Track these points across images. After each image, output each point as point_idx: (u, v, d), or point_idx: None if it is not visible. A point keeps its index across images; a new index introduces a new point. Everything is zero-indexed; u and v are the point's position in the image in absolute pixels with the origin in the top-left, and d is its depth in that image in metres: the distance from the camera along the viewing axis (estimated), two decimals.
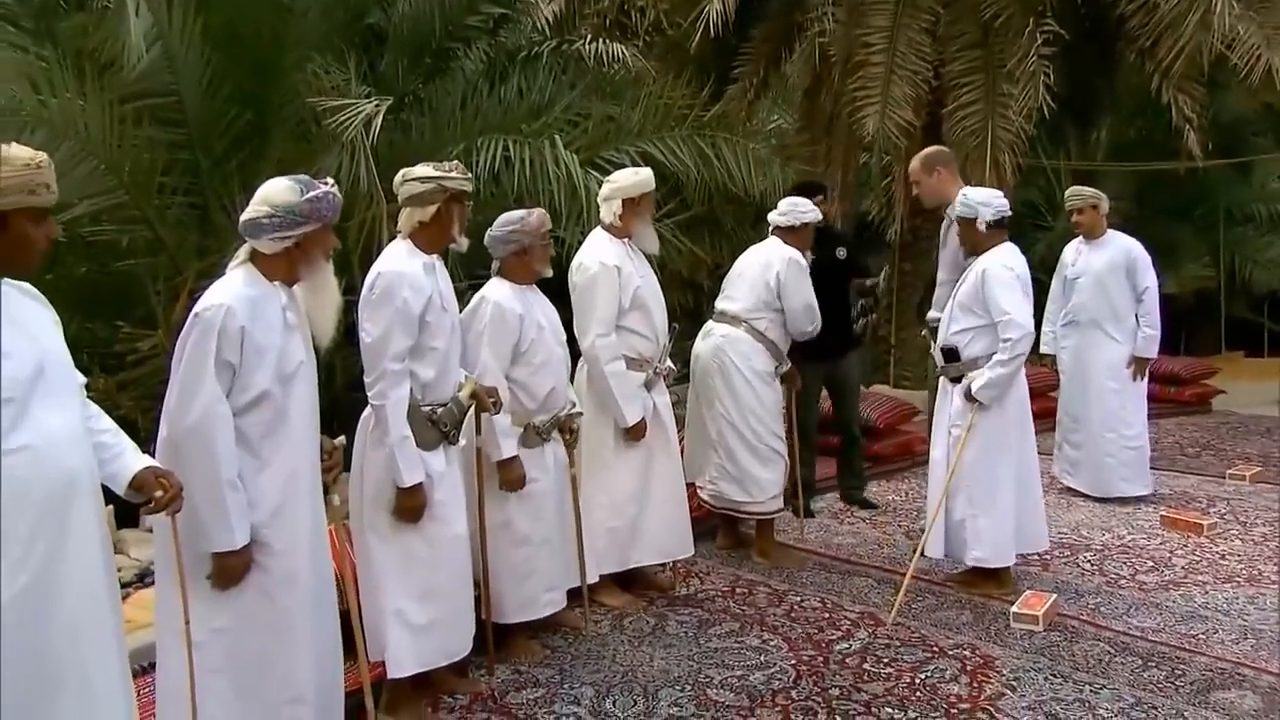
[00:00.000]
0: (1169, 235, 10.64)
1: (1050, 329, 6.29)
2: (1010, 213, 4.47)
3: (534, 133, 6.11)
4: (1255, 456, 6.97)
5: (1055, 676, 3.67)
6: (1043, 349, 6.34)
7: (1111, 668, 3.74)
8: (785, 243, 5.00)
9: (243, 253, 2.88)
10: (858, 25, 8.16)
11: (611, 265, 4.27)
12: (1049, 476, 6.28)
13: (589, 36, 7.88)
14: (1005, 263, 4.35)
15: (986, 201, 4.41)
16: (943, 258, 4.89)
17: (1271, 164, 11.88)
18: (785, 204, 5.12)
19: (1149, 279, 5.97)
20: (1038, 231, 12.08)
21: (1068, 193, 6.25)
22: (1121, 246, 6.03)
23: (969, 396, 4.35)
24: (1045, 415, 7.68)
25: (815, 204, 5.31)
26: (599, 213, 5.60)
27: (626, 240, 4.42)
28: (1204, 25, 7.12)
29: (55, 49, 5.42)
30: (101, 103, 5.08)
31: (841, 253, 5.72)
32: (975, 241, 4.45)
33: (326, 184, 2.90)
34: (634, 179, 4.45)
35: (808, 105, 9.42)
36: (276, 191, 2.81)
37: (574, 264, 4.40)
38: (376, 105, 5.28)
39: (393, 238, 5.34)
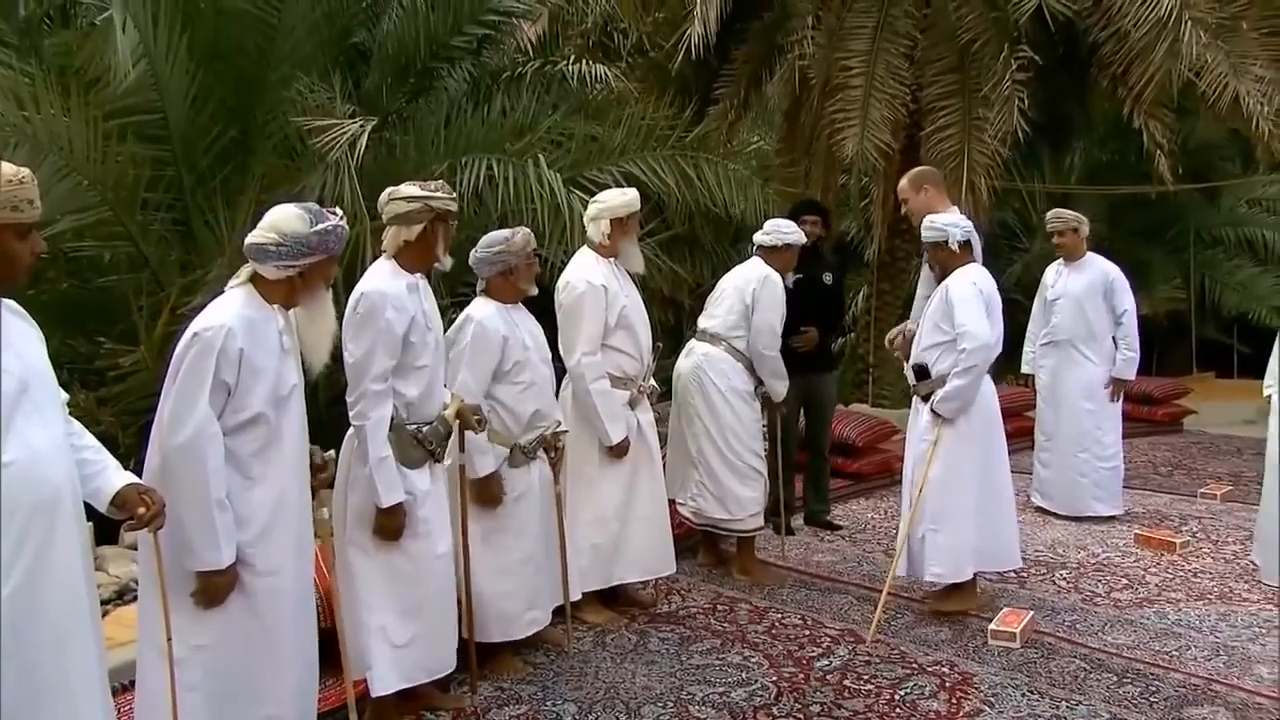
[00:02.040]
0: (1140, 257, 10.82)
1: (1030, 349, 6.38)
2: (975, 234, 4.57)
3: (517, 152, 6.15)
4: (1226, 476, 7.09)
5: (1032, 693, 3.72)
6: (1023, 369, 6.49)
7: (1087, 684, 3.80)
8: (766, 262, 5.06)
9: (244, 273, 2.90)
10: (837, 49, 8.28)
11: (598, 284, 4.31)
12: (1024, 495, 6.37)
13: (572, 57, 7.94)
14: (970, 279, 4.45)
15: (954, 223, 4.52)
16: (924, 274, 4.99)
17: (1239, 189, 12.11)
18: (769, 224, 5.18)
19: (1127, 301, 6.07)
20: (1013, 253, 12.25)
21: (1049, 215, 6.34)
22: (1100, 269, 6.13)
23: (932, 410, 4.44)
24: (1022, 434, 7.80)
25: (810, 225, 5.48)
26: (582, 232, 5.68)
27: (613, 260, 4.47)
28: (1173, 53, 7.27)
29: (40, 65, 5.43)
30: (85, 119, 5.07)
31: (828, 278, 5.79)
32: (946, 263, 4.55)
33: (335, 214, 2.93)
34: (622, 199, 4.50)
35: (788, 127, 9.53)
36: (285, 220, 2.83)
37: (560, 283, 4.43)
38: (361, 125, 5.31)
39: (376, 256, 5.42)
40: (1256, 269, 11.82)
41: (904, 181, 5.02)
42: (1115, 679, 3.84)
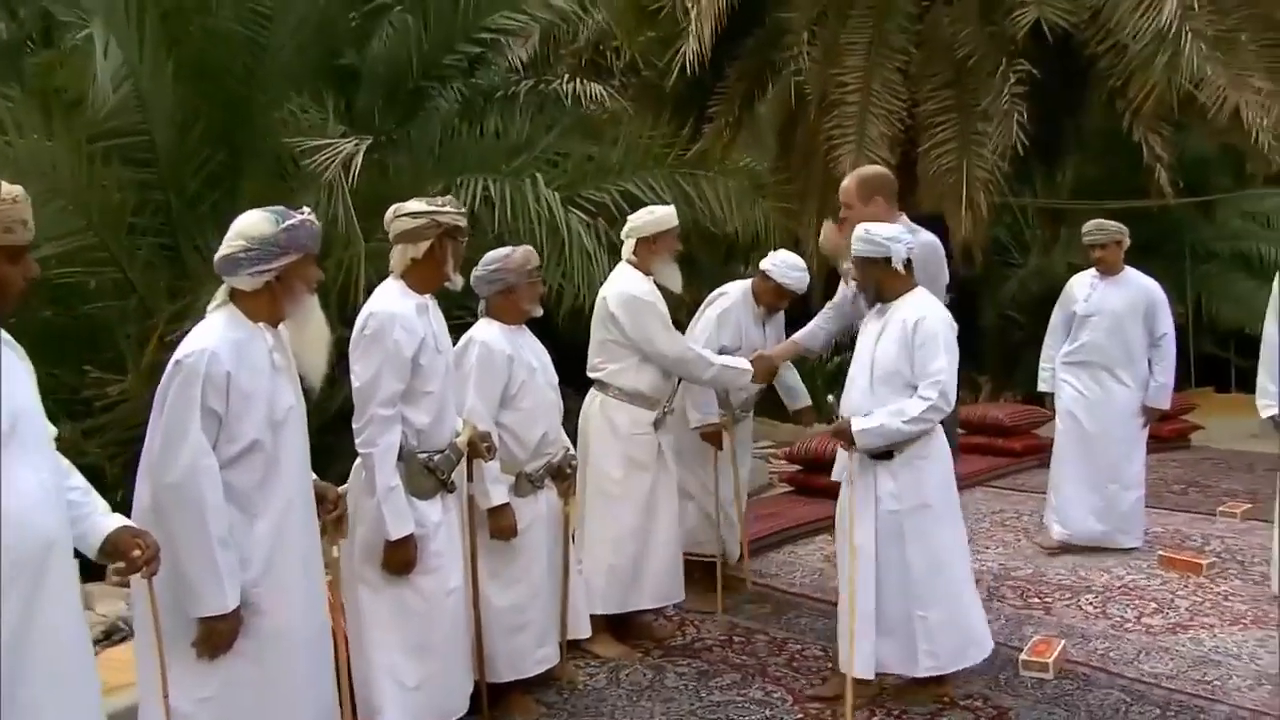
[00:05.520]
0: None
1: (1049, 366, 5.87)
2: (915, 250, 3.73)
3: (514, 172, 6.03)
4: (1241, 493, 6.89)
5: None
6: (1041, 387, 5.98)
7: (1129, 718, 3.62)
8: (754, 288, 4.91)
9: (221, 294, 2.73)
10: (832, 65, 8.16)
11: (649, 289, 4.36)
12: (1037, 515, 6.19)
13: (566, 76, 7.82)
14: (941, 314, 3.64)
15: (897, 237, 3.60)
16: (839, 297, 4.44)
17: (1233, 203, 12.07)
18: (778, 257, 4.91)
19: (1167, 323, 5.63)
20: (1006, 269, 12.16)
21: (1089, 226, 5.79)
22: (1142, 286, 5.66)
23: (847, 437, 3.59)
24: (1031, 452, 7.68)
25: None
26: (581, 250, 5.59)
27: (650, 276, 4.40)
28: (1173, 67, 7.20)
29: (21, 87, 5.27)
30: (69, 142, 4.95)
31: None
32: (886, 286, 3.67)
33: (303, 212, 2.77)
34: (648, 219, 4.43)
35: (782, 144, 9.42)
36: (251, 224, 2.67)
37: (612, 294, 4.34)
38: (356, 144, 5.17)
39: (371, 279, 5.26)
40: (1253, 283, 11.72)
41: (850, 184, 4.02)
42: (1158, 712, 3.66)
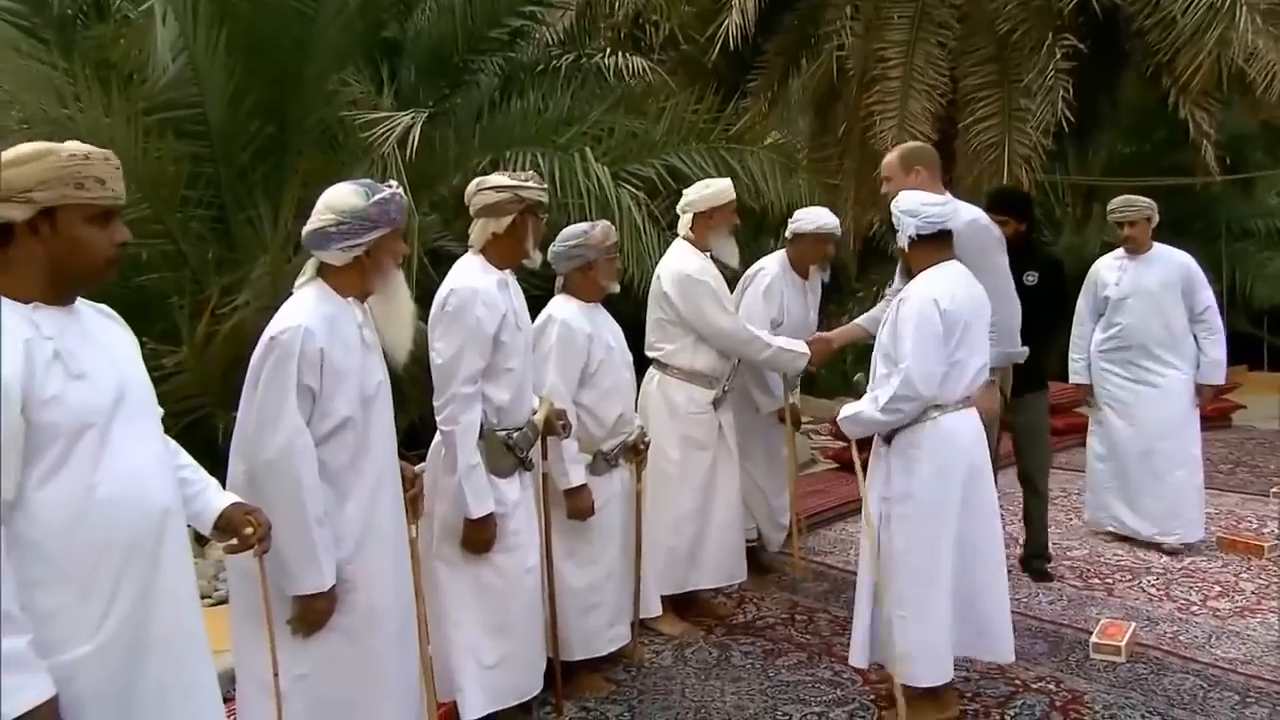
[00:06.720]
0: None
1: (1081, 357, 5.57)
2: (945, 223, 3.43)
3: (561, 146, 5.98)
4: None
5: (1152, 714, 3.51)
6: (1073, 379, 5.67)
7: (1209, 704, 3.58)
8: (789, 254, 4.80)
9: (309, 269, 2.71)
10: (875, 39, 8.09)
11: (703, 266, 4.28)
12: (1071, 498, 6.09)
13: (607, 50, 7.75)
14: (931, 294, 3.33)
15: (912, 211, 3.39)
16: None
17: (1271, 180, 11.93)
18: (796, 213, 4.86)
19: (1208, 296, 5.35)
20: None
21: (1116, 203, 5.44)
22: (1176, 262, 5.39)
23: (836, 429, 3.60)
24: (1073, 430, 7.62)
25: (997, 221, 4.55)
26: (631, 226, 5.54)
27: (708, 253, 4.33)
28: (1224, 41, 7.10)
29: (77, 61, 5.23)
30: (126, 114, 4.89)
31: (1030, 278, 4.73)
32: (907, 258, 3.51)
33: (390, 185, 2.74)
34: (704, 192, 4.35)
35: (821, 119, 9.35)
36: (340, 197, 2.64)
37: (666, 272, 4.28)
38: (413, 117, 5.12)
39: (424, 253, 5.23)
40: None
41: (892, 157, 4.02)
42: (1238, 698, 3.62)
